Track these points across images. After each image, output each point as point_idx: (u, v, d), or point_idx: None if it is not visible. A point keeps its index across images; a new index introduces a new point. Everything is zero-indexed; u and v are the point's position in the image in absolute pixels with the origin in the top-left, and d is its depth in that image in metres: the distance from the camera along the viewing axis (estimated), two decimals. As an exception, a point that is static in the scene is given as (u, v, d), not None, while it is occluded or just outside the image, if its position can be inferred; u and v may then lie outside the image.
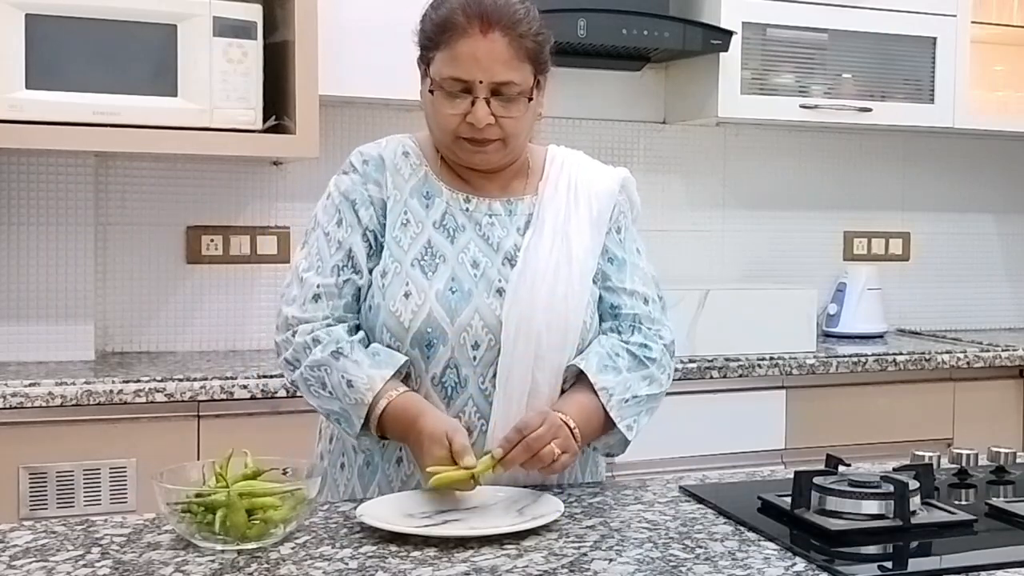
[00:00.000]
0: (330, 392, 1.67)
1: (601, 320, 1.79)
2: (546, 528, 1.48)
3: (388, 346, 1.69)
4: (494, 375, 1.69)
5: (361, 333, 1.72)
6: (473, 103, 1.67)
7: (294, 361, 1.71)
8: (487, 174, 1.79)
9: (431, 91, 1.71)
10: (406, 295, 1.68)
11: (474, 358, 1.69)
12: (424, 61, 1.74)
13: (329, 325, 1.70)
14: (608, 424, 1.72)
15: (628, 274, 1.80)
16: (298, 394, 1.77)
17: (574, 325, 1.72)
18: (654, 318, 1.80)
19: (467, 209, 1.77)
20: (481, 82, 1.66)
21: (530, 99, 1.71)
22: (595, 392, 1.69)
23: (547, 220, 1.76)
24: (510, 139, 1.71)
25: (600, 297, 1.79)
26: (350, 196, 1.76)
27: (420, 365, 1.69)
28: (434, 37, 1.70)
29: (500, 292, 1.71)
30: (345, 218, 1.75)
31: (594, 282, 1.78)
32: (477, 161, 1.74)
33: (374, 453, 1.75)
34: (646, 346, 1.77)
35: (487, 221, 1.76)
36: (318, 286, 1.72)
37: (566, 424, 1.63)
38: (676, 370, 2.97)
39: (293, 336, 1.71)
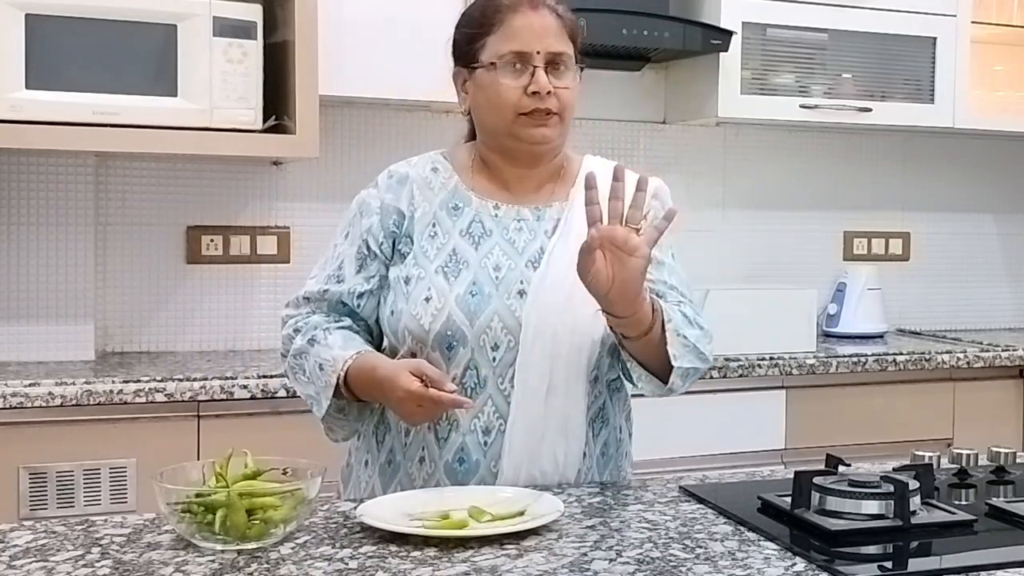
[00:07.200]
0: (308, 377, 1.76)
1: None
2: (546, 528, 1.48)
3: (410, 348, 1.73)
4: (512, 376, 1.71)
5: (347, 320, 1.80)
6: (533, 73, 1.74)
7: (284, 353, 1.83)
8: (527, 169, 1.82)
9: (492, 63, 1.74)
10: (427, 299, 1.73)
11: (493, 359, 1.71)
12: (469, 59, 1.78)
13: (309, 315, 1.81)
14: (657, 349, 1.67)
15: (667, 274, 1.81)
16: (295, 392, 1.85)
17: (596, 327, 1.72)
18: (697, 311, 1.79)
19: (496, 215, 1.80)
20: (539, 52, 1.75)
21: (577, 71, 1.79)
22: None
23: (574, 226, 1.76)
24: (565, 112, 1.77)
25: None
26: (361, 208, 1.84)
27: (442, 366, 1.71)
28: (484, 22, 1.77)
29: (521, 294, 1.73)
30: (351, 231, 1.84)
31: None
32: (539, 137, 1.76)
33: (396, 452, 1.78)
34: (696, 319, 1.76)
35: (515, 226, 1.79)
36: (307, 291, 1.84)
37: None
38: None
39: (283, 331, 1.83)
